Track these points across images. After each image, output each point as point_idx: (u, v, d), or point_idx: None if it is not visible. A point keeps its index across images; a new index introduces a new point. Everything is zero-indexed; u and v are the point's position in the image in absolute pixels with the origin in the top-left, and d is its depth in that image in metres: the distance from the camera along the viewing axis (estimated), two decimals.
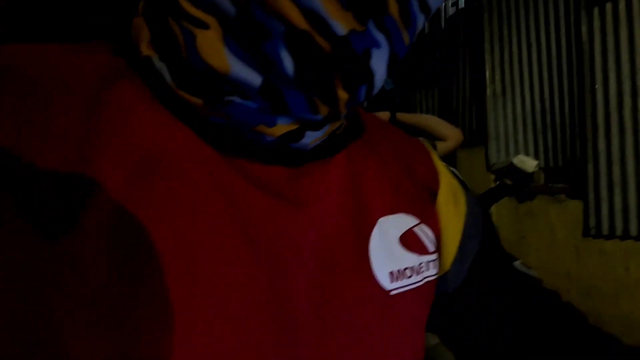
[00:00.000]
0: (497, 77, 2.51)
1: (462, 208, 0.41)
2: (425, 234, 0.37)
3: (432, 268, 0.37)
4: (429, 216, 0.38)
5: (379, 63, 0.25)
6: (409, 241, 0.36)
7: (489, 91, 2.54)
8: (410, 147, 0.39)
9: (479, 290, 0.41)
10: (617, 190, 1.93)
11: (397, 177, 0.36)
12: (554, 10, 2.26)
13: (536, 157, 2.28)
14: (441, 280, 0.39)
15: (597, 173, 1.99)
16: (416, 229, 0.36)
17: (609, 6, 1.90)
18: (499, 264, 0.43)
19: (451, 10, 2.86)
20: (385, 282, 0.33)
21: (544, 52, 2.30)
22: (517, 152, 2.36)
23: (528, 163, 1.58)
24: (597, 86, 1.95)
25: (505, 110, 2.48)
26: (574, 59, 2.19)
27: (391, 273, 0.34)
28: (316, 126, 0.28)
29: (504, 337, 0.41)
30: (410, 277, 0.35)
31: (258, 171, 0.28)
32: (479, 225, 0.43)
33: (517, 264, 0.44)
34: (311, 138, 0.28)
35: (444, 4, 2.71)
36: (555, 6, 2.25)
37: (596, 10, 1.94)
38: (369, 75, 0.25)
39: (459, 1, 2.80)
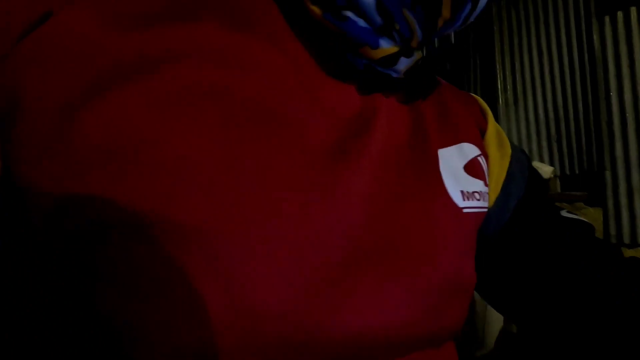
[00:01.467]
0: (509, 86, 2.51)
1: (508, 150, 0.42)
2: (484, 165, 0.38)
3: (487, 200, 0.38)
4: (483, 150, 0.39)
5: None
6: (474, 169, 0.36)
7: (500, 100, 2.54)
8: (464, 93, 0.41)
9: (524, 234, 0.40)
10: (637, 197, 1.90)
11: (458, 113, 0.38)
12: (565, 19, 2.27)
13: (551, 165, 2.26)
14: (484, 220, 0.39)
15: (616, 179, 1.96)
16: (479, 158, 0.37)
17: (620, 14, 1.90)
18: (546, 211, 0.42)
19: None
20: (458, 199, 0.34)
21: (556, 61, 2.30)
22: (531, 160, 2.35)
23: (543, 169, 1.57)
24: (611, 93, 1.94)
25: (518, 119, 2.47)
26: (587, 66, 2.18)
27: (462, 192, 0.34)
28: (409, 52, 0.29)
29: (549, 283, 0.40)
30: (479, 200, 0.36)
31: (339, 90, 0.30)
32: (525, 171, 0.42)
33: (564, 212, 0.43)
34: (403, 64, 0.30)
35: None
36: (565, 15, 2.26)
37: (607, 19, 1.94)
38: None
39: None
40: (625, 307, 0.38)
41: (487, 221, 0.39)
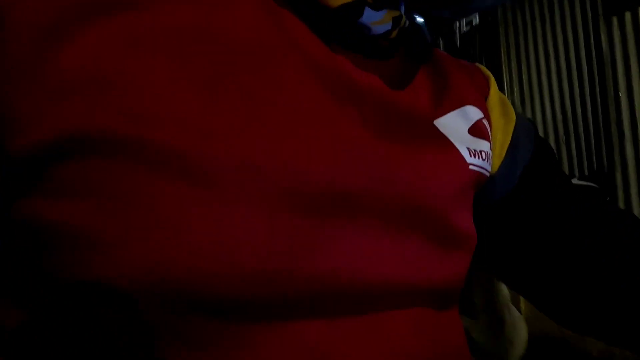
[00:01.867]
0: (516, 88, 2.50)
1: (512, 117, 0.42)
2: (488, 128, 0.38)
3: (490, 163, 0.37)
4: (486, 115, 0.38)
5: None
6: (479, 131, 0.36)
7: None
8: (465, 62, 0.41)
9: (531, 201, 0.40)
10: None
11: (459, 79, 0.38)
12: (571, 20, 2.26)
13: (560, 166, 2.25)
14: (489, 185, 0.39)
15: (627, 181, 1.95)
16: (483, 121, 0.37)
17: (628, 15, 1.90)
18: (554, 178, 0.42)
19: (466, 28, 2.88)
20: (465, 154, 0.34)
21: (563, 62, 2.29)
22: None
23: None
24: (620, 93, 1.93)
25: None
26: (595, 67, 2.17)
27: (468, 148, 0.34)
28: (374, 5, 0.29)
29: (557, 251, 0.39)
30: (484, 160, 0.35)
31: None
32: (531, 139, 0.42)
33: (575, 180, 0.43)
34: (373, 18, 0.29)
35: (458, 23, 2.74)
36: (572, 16, 2.25)
37: (615, 20, 1.93)
38: None
39: (473, 19, 2.81)
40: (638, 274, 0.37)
41: (493, 188, 0.39)
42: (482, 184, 0.37)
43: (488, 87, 0.41)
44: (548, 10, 2.35)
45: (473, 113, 0.36)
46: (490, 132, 0.38)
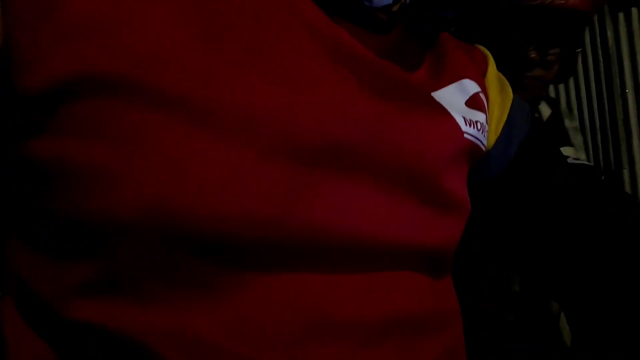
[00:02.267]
0: None
1: (509, 94, 0.42)
2: (485, 102, 0.38)
3: (486, 136, 0.38)
4: (484, 90, 0.39)
5: None
6: (475, 103, 0.37)
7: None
8: (464, 43, 0.42)
9: (526, 177, 0.40)
10: None
11: (457, 54, 0.38)
12: None
13: None
14: (484, 161, 0.40)
15: (634, 178, 1.94)
16: (480, 95, 0.38)
17: (634, 11, 1.89)
18: (549, 156, 0.43)
19: None
20: (461, 122, 0.34)
21: None
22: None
23: None
24: (627, 90, 1.92)
25: None
26: (601, 64, 2.16)
27: (464, 117, 0.35)
28: None
29: (551, 227, 0.40)
30: (479, 130, 0.36)
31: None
32: (527, 117, 0.43)
33: (570, 159, 0.43)
34: None
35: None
36: None
37: (621, 16, 1.93)
38: None
39: None
40: (632, 252, 0.37)
41: (488, 163, 0.40)
42: (477, 159, 0.38)
43: (486, 65, 0.42)
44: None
45: (470, 86, 0.37)
46: (487, 107, 0.39)
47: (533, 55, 0.69)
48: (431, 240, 0.32)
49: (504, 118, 0.41)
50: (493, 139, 0.40)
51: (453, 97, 0.35)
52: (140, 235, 0.24)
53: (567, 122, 0.81)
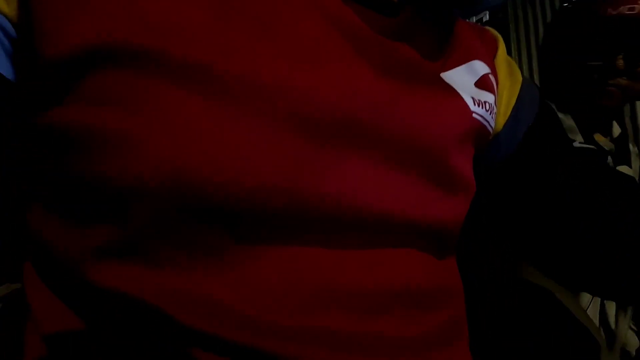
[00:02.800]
0: None
1: (518, 77, 0.43)
2: (494, 83, 0.38)
3: (494, 118, 0.38)
4: (493, 72, 0.39)
5: None
6: (485, 84, 0.37)
7: None
8: (475, 24, 0.42)
9: (533, 160, 0.41)
10: None
11: (467, 36, 0.38)
12: None
13: None
14: (493, 144, 0.40)
15: None
16: (490, 76, 0.38)
17: None
18: (557, 139, 0.43)
19: None
20: (469, 102, 0.34)
21: None
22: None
23: None
24: None
25: None
26: None
27: (473, 98, 0.35)
28: None
29: (558, 209, 0.40)
30: (488, 111, 0.36)
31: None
32: (536, 100, 0.43)
33: (576, 143, 0.43)
34: None
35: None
36: None
37: None
38: None
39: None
40: (631, 252, 0.38)
41: (497, 147, 0.40)
42: (484, 141, 0.38)
43: (496, 47, 0.42)
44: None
45: (480, 68, 0.37)
46: (497, 89, 0.39)
47: (620, 63, 0.71)
48: (436, 217, 0.32)
49: (513, 101, 0.41)
50: (502, 121, 0.41)
51: (462, 78, 0.35)
52: (156, 201, 0.25)
53: (630, 147, 0.82)
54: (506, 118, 0.41)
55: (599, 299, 0.61)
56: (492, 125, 0.38)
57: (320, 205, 0.27)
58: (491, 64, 0.39)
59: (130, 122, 0.25)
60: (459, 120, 0.34)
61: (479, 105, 0.35)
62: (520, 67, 2.56)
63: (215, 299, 0.25)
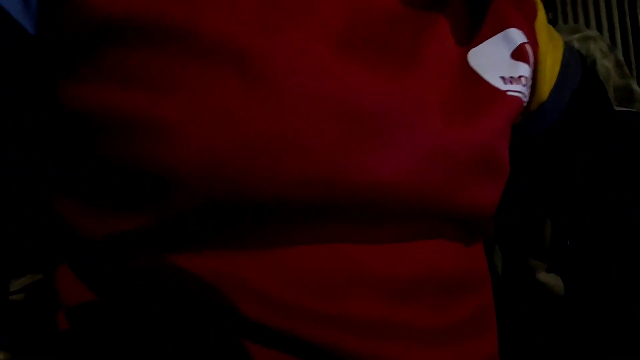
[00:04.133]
0: None
1: (560, 42, 0.41)
2: (531, 52, 0.37)
3: (529, 87, 0.36)
4: (532, 38, 0.37)
5: None
6: (520, 55, 0.35)
7: None
8: None
9: (579, 126, 0.40)
10: None
11: (502, 2, 0.36)
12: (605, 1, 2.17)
13: None
14: (537, 113, 0.39)
15: None
16: (527, 46, 0.36)
17: None
18: (601, 104, 0.42)
19: None
20: (498, 84, 0.33)
21: None
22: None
23: None
24: None
25: None
26: (631, 47, 2.09)
27: (502, 77, 0.33)
28: None
29: (600, 176, 0.39)
30: (524, 85, 0.35)
31: None
32: (578, 65, 0.41)
33: (615, 106, 0.42)
34: None
35: None
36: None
37: None
38: None
39: None
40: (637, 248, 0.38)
41: (542, 116, 0.39)
42: (519, 113, 0.37)
43: (536, 10, 0.40)
44: None
45: (517, 36, 0.36)
46: (537, 57, 0.37)
47: None
48: (475, 203, 0.32)
49: (557, 68, 0.40)
50: (547, 89, 0.39)
51: (495, 51, 0.34)
52: (193, 188, 0.25)
53: None
54: (551, 86, 0.39)
55: None
56: (527, 95, 0.36)
57: (358, 193, 0.27)
58: (531, 30, 0.37)
59: (164, 107, 0.24)
60: (493, 107, 0.32)
61: (511, 83, 0.34)
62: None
63: (248, 279, 0.26)
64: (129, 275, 0.27)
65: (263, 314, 0.26)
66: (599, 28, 2.13)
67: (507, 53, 0.35)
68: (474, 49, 0.33)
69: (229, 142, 0.24)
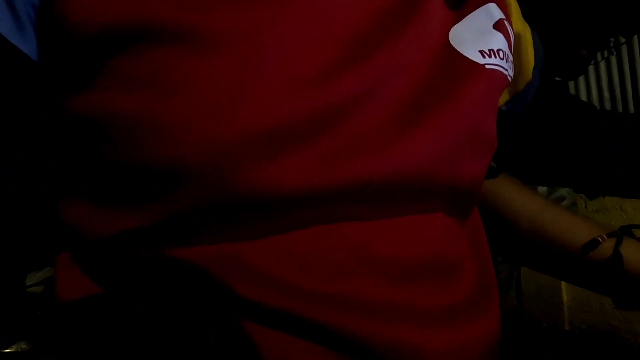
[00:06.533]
0: None
1: (525, 22, 0.43)
2: (510, 30, 0.38)
3: (511, 66, 0.37)
4: (507, 17, 0.39)
5: None
6: (500, 28, 0.36)
7: None
8: None
9: (549, 101, 0.46)
10: None
11: None
12: None
13: None
14: (524, 93, 0.41)
15: None
16: (505, 22, 0.37)
17: None
18: (558, 82, 0.47)
19: None
20: (477, 58, 0.34)
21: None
22: None
23: None
24: None
25: None
26: (636, 50, 2.07)
27: (481, 51, 0.34)
28: None
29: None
30: (502, 59, 0.35)
31: None
32: (539, 43, 0.44)
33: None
34: None
35: None
36: None
37: None
38: None
39: None
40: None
41: (527, 95, 0.41)
42: (510, 90, 0.38)
43: None
44: None
45: (495, 12, 0.37)
46: (512, 37, 0.38)
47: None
48: (457, 173, 0.32)
49: (531, 45, 0.42)
50: (531, 69, 0.41)
51: (477, 23, 0.34)
52: (200, 180, 0.25)
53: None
54: (532, 66, 0.41)
55: None
56: (511, 73, 0.37)
57: (364, 176, 0.27)
58: (505, 8, 0.38)
59: (169, 105, 0.24)
60: (474, 81, 0.32)
61: (490, 56, 0.34)
62: None
63: (252, 262, 0.26)
64: (129, 267, 0.27)
65: (264, 295, 0.25)
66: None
67: (490, 24, 0.35)
68: (457, 25, 0.34)
69: (234, 134, 0.24)
